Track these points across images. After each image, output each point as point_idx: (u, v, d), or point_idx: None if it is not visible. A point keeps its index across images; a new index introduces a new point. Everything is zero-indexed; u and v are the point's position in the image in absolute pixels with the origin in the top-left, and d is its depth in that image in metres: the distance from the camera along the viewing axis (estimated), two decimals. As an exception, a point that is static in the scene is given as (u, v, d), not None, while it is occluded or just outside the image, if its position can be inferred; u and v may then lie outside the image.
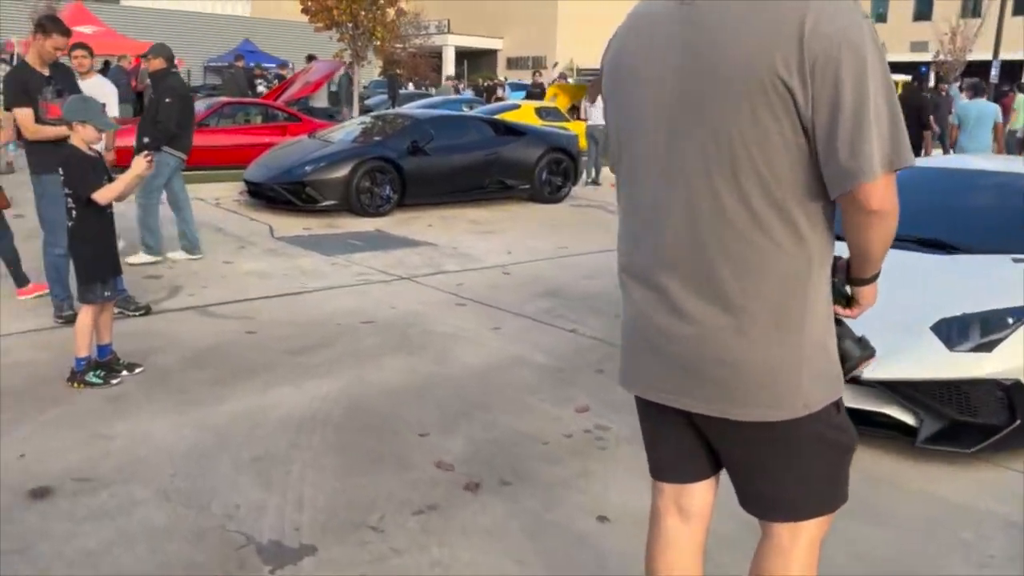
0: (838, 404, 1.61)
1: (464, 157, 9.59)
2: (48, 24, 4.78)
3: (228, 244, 7.31)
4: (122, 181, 3.98)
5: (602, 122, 12.60)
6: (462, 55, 54.43)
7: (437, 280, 6.35)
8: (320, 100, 14.53)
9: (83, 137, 3.96)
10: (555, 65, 43.44)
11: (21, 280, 5.37)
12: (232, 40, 35.11)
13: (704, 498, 1.79)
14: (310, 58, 16.23)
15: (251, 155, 9.90)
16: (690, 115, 1.49)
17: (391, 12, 13.22)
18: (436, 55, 48.07)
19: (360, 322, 5.15)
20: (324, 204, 8.74)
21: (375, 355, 4.54)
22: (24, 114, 4.71)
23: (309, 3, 12.89)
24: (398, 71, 18.49)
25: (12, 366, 4.17)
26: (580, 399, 3.98)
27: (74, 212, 3.96)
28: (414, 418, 3.69)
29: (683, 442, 1.73)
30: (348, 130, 10.22)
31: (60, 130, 4.75)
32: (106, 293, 4.02)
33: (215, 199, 9.66)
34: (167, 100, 6.33)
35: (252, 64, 16.82)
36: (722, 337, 1.51)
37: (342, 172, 8.76)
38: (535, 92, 19.42)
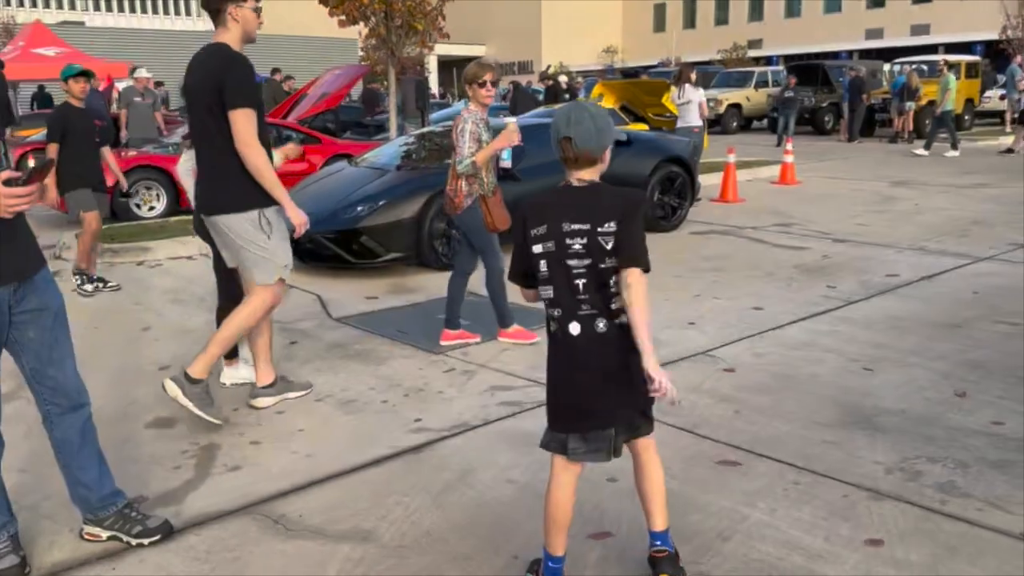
0: None
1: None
2: None
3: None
4: None
5: (697, 123, 10.15)
6: (447, 64, 52.32)
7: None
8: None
9: None
10: (547, 68, 41.50)
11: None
12: (206, 57, 32.20)
13: None
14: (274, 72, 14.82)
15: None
16: None
17: (433, -1, 10.62)
18: (420, 65, 45.58)
19: (588, 535, 2.61)
20: (386, 258, 6.20)
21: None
22: None
23: (330, -7, 10.26)
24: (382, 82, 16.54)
25: None
26: None
27: None
28: None
29: None
30: (396, 151, 7.66)
31: None
32: None
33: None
34: None
35: (286, 76, 14.43)
36: None
37: (410, 211, 6.22)
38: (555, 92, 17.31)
